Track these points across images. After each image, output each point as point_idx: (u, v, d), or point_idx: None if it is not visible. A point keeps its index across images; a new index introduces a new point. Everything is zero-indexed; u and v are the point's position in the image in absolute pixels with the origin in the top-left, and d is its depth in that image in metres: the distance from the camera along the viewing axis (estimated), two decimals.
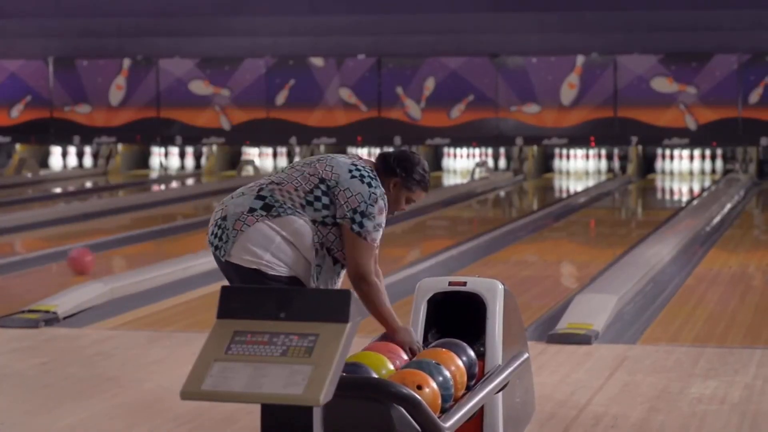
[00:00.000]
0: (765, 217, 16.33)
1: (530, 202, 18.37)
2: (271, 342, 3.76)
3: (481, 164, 21.14)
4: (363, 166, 4.85)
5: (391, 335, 4.88)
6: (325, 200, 4.77)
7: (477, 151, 21.58)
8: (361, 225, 4.74)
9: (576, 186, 19.79)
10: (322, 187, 4.78)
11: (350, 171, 4.79)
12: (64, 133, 22.19)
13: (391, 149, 21.42)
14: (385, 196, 4.84)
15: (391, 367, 4.58)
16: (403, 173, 4.89)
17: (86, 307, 8.73)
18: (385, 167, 4.90)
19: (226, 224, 4.79)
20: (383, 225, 4.82)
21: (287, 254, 4.76)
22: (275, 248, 4.75)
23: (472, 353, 4.91)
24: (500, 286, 5.23)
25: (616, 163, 21.05)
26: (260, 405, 3.76)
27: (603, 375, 6.71)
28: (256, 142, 21.87)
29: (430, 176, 5.04)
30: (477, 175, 20.61)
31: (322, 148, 21.41)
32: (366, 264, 4.75)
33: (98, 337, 7.83)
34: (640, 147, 20.75)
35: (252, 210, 4.77)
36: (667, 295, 9.43)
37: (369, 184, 4.78)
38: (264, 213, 4.75)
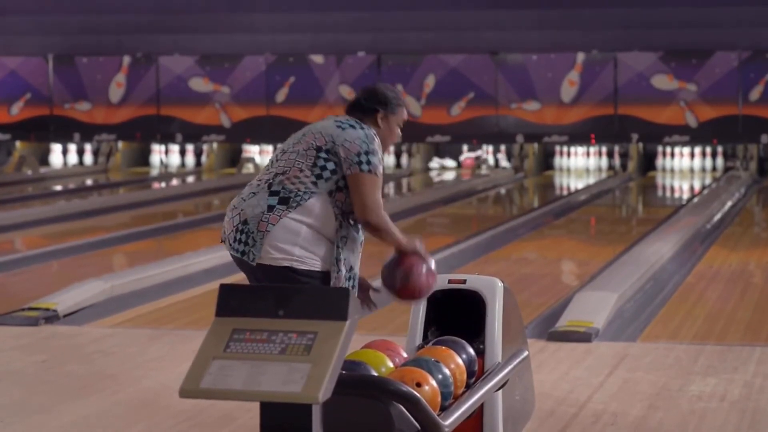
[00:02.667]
0: (765, 214, 16.32)
1: (530, 199, 18.37)
2: (270, 340, 3.76)
3: (478, 156, 21.13)
4: (347, 119, 4.90)
5: (401, 251, 4.91)
6: (331, 166, 4.78)
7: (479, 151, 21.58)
8: (369, 162, 4.78)
9: (576, 183, 19.79)
10: (323, 155, 4.79)
11: (339, 126, 4.83)
12: (64, 130, 22.19)
13: (391, 147, 21.51)
14: (374, 133, 4.90)
15: (391, 364, 4.58)
16: (383, 104, 4.98)
17: (86, 304, 8.73)
18: (364, 110, 4.95)
19: (248, 228, 4.73)
20: (383, 158, 4.91)
21: (314, 243, 4.75)
22: (303, 240, 4.73)
23: (471, 351, 4.91)
24: (500, 284, 5.23)
25: (617, 161, 21.05)
26: (259, 403, 3.76)
27: (603, 372, 6.71)
28: (257, 140, 21.87)
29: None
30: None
31: None
32: (378, 199, 4.79)
33: (98, 335, 7.83)
34: (640, 144, 20.75)
35: (271, 207, 4.72)
36: (667, 293, 9.43)
37: (361, 128, 4.85)
38: (283, 207, 4.72)
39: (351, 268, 4.86)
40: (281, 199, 4.74)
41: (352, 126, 4.84)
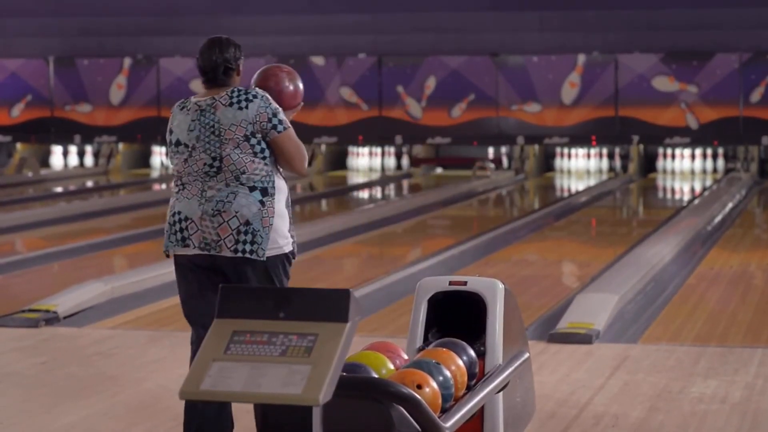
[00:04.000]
0: (766, 216, 16.32)
1: (531, 201, 18.36)
2: (270, 342, 3.75)
3: (483, 165, 21.14)
4: (230, 96, 5.01)
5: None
6: (263, 143, 5.00)
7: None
8: (280, 122, 5.00)
9: (577, 185, 19.79)
10: (253, 140, 4.97)
11: (239, 107, 4.97)
12: (65, 132, 22.19)
13: (392, 149, 21.55)
14: (261, 90, 5.07)
15: (391, 366, 4.57)
16: (237, 59, 5.11)
17: (86, 306, 8.73)
18: (227, 74, 5.07)
19: (252, 227, 4.93)
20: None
21: (287, 218, 5.07)
22: (288, 219, 5.06)
23: (472, 353, 4.90)
24: (500, 286, 5.22)
25: (617, 162, 21.04)
26: (259, 405, 3.75)
27: (603, 374, 6.70)
28: None
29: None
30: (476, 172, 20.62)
31: (323, 147, 21.41)
32: (299, 147, 5.06)
33: (98, 337, 7.83)
34: (641, 146, 20.74)
35: (262, 203, 4.95)
36: (668, 295, 9.42)
37: (254, 96, 5.00)
38: (269, 198, 4.97)
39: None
40: (262, 191, 4.97)
41: (246, 99, 4.98)
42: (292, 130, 5.03)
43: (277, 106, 5.02)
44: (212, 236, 4.95)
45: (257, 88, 5.06)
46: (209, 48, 5.06)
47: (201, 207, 4.98)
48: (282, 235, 5.00)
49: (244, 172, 4.94)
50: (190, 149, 5.04)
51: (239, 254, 4.92)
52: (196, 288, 5.11)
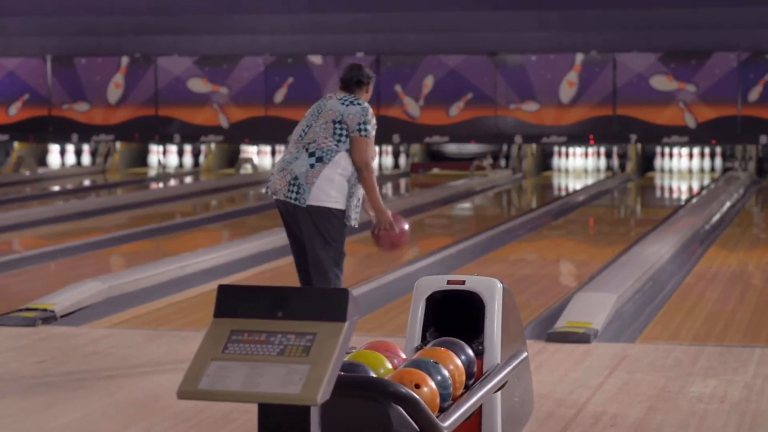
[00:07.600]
0: (764, 215, 16.31)
1: (529, 200, 18.36)
2: (269, 341, 3.74)
3: (481, 163, 21.14)
4: (346, 97, 6.78)
5: (375, 213, 6.89)
6: (344, 132, 6.68)
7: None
8: (365, 130, 6.69)
9: (575, 184, 19.78)
10: (337, 126, 6.69)
11: (343, 103, 6.75)
12: (63, 131, 22.17)
13: (389, 148, 21.55)
14: (368, 105, 6.76)
15: (389, 366, 4.56)
16: (367, 81, 6.86)
17: (84, 305, 8.71)
18: (358, 86, 6.84)
19: (298, 182, 6.65)
20: (375, 123, 6.81)
21: (342, 187, 6.67)
22: (336, 185, 6.66)
23: (470, 352, 4.89)
24: (499, 285, 5.21)
25: (615, 162, 21.04)
26: (257, 404, 3.74)
27: (602, 374, 6.69)
28: (255, 140, 21.85)
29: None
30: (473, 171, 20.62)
31: None
32: (369, 156, 6.70)
33: (96, 336, 7.82)
34: (639, 145, 20.74)
35: (312, 165, 6.64)
36: (667, 294, 9.41)
37: (358, 104, 6.75)
38: (321, 164, 6.64)
39: (358, 199, 6.78)
40: (318, 159, 6.66)
41: (351, 103, 6.75)
42: (369, 140, 6.71)
43: (370, 119, 6.71)
44: (277, 186, 6.70)
45: (366, 103, 6.77)
46: (351, 68, 6.89)
47: (278, 165, 6.77)
48: (326, 194, 6.63)
49: (314, 141, 6.67)
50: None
51: (290, 201, 6.64)
52: (288, 230, 6.82)
